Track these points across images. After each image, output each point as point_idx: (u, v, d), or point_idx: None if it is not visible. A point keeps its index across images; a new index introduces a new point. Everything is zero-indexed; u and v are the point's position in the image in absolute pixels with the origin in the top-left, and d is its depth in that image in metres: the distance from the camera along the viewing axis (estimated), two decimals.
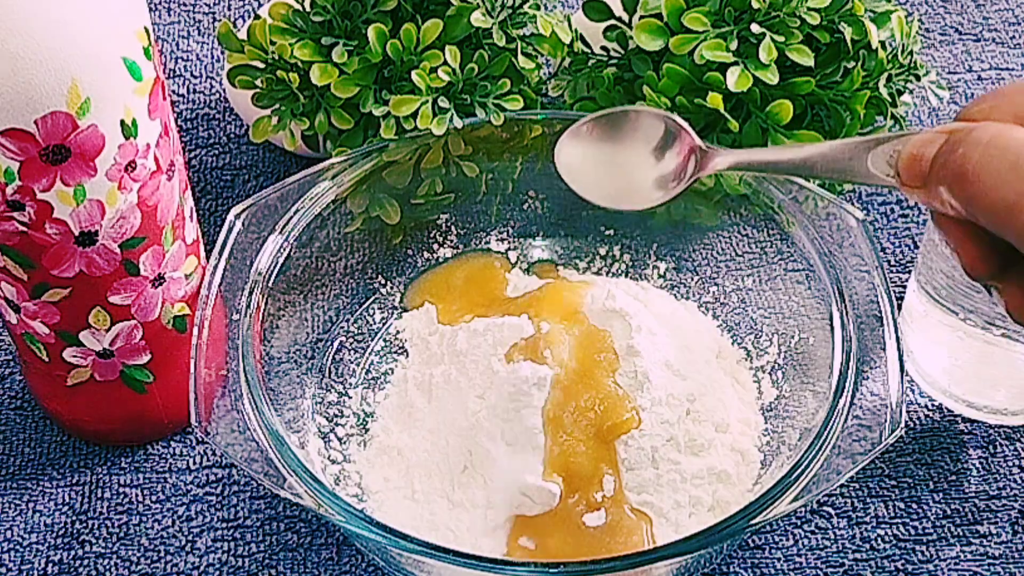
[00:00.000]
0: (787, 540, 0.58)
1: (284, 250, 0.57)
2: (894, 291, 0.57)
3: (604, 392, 0.56)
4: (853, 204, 0.69)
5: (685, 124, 0.48)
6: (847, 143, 0.42)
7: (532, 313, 0.59)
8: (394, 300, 0.64)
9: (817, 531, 0.58)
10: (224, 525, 0.58)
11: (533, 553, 0.53)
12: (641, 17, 0.63)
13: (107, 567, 0.57)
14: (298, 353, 0.59)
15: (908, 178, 0.40)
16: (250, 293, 0.55)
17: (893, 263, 0.68)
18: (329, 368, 0.61)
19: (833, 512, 0.58)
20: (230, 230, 0.56)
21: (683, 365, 0.58)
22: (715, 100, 0.59)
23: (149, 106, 0.50)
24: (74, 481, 0.60)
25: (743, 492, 0.55)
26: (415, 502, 0.56)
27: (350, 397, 0.61)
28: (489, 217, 0.66)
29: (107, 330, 0.55)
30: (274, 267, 0.57)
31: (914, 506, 0.59)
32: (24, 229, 0.49)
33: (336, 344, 0.62)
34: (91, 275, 0.52)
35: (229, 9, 0.83)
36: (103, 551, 0.57)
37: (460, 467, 0.55)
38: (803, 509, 0.58)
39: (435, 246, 0.66)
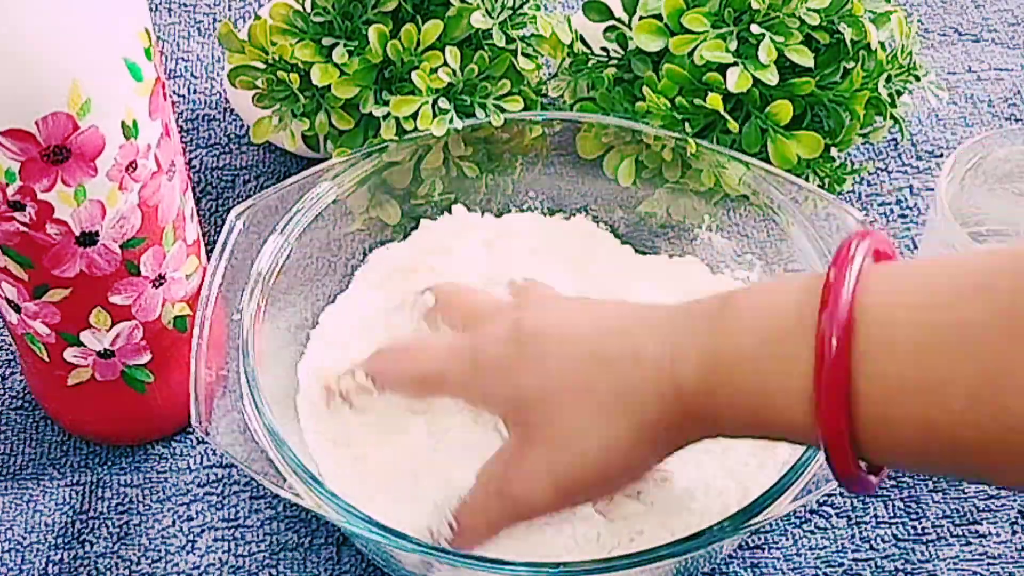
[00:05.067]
0: (787, 540, 0.58)
1: (284, 250, 0.57)
2: None
3: None
4: (853, 204, 0.69)
5: None
6: None
7: None
8: None
9: (817, 531, 0.58)
10: (224, 525, 0.58)
11: None
12: (641, 18, 0.63)
13: (107, 567, 0.57)
14: (298, 353, 0.59)
15: None
16: (250, 293, 0.55)
17: None
18: None
19: (833, 512, 0.59)
20: (231, 230, 0.56)
21: None
22: (715, 101, 0.60)
23: (150, 107, 0.50)
24: (74, 481, 0.60)
25: (743, 492, 0.55)
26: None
27: None
28: None
29: (108, 330, 0.55)
30: (274, 267, 0.57)
31: (914, 506, 0.59)
32: (25, 229, 0.50)
33: None
34: (92, 275, 0.52)
35: (230, 10, 0.83)
36: (103, 551, 0.57)
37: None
38: (803, 509, 0.58)
39: None
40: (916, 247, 0.69)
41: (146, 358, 0.57)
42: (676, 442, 0.46)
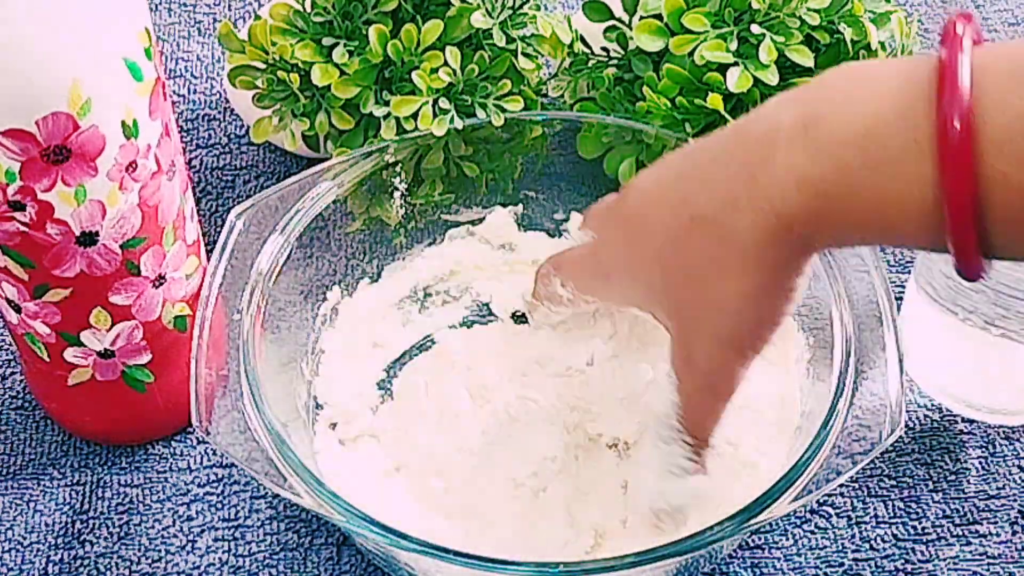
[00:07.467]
0: (787, 540, 0.58)
1: (284, 250, 0.58)
2: (894, 291, 0.57)
3: None
4: None
5: None
6: None
7: None
8: None
9: (817, 531, 0.58)
10: (224, 525, 0.58)
11: None
12: (641, 18, 0.63)
13: (107, 567, 0.57)
14: (298, 353, 0.59)
15: None
16: (250, 293, 0.55)
17: (893, 263, 0.69)
18: None
19: (833, 512, 0.59)
20: (231, 230, 0.56)
21: None
22: (715, 100, 0.60)
23: (150, 106, 0.50)
24: (75, 481, 0.60)
25: (743, 491, 0.55)
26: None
27: None
28: None
29: (108, 330, 0.55)
30: (274, 267, 0.57)
31: (914, 506, 0.59)
32: (25, 229, 0.50)
33: None
34: (92, 275, 0.52)
35: (230, 10, 0.83)
36: (104, 551, 0.57)
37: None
38: (803, 509, 0.58)
39: None
40: None
41: (146, 358, 0.57)
42: (798, 264, 0.45)
